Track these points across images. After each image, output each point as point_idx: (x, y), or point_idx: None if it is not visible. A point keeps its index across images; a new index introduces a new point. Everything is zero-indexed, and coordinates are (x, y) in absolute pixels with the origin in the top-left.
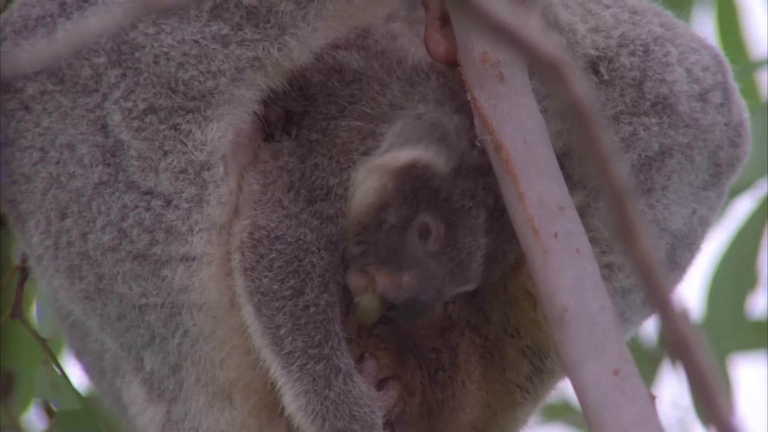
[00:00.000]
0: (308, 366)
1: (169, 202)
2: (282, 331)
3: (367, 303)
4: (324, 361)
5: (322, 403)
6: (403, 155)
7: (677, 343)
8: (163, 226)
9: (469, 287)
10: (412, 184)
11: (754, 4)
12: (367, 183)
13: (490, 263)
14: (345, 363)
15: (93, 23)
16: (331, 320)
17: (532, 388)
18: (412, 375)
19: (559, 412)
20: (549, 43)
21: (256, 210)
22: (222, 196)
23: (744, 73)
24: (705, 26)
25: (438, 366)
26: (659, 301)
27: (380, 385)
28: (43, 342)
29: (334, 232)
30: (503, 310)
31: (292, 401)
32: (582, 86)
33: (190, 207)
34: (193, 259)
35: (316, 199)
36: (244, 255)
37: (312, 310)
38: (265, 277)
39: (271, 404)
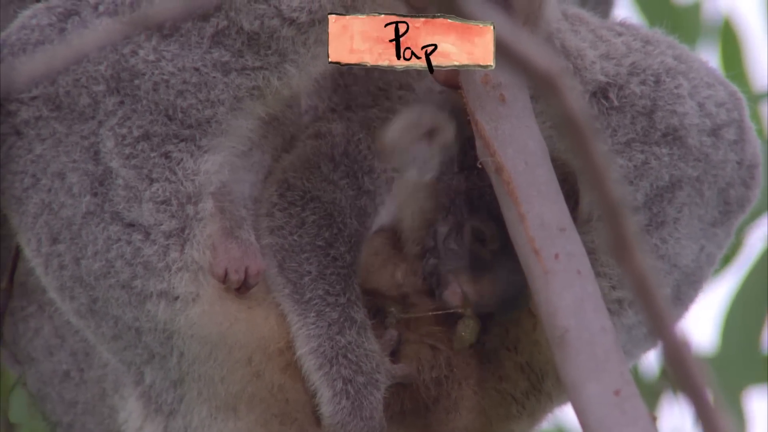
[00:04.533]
0: (325, 312)
1: (147, 236)
2: (305, 279)
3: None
4: (340, 309)
5: (332, 348)
6: (402, 120)
7: (674, 361)
8: (141, 260)
9: None
10: (446, 195)
11: (759, 37)
12: (407, 207)
13: None
14: (360, 317)
15: (89, 41)
16: (351, 276)
17: (528, 405)
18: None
19: None
20: (544, 57)
21: (286, 174)
22: (208, 238)
23: (749, 107)
24: (709, 59)
25: (434, 363)
26: (655, 315)
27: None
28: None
29: (368, 205)
30: (503, 324)
31: (304, 344)
32: (577, 99)
33: (168, 243)
34: (176, 299)
35: (356, 172)
36: (273, 216)
37: (339, 262)
38: (295, 233)
39: (281, 413)
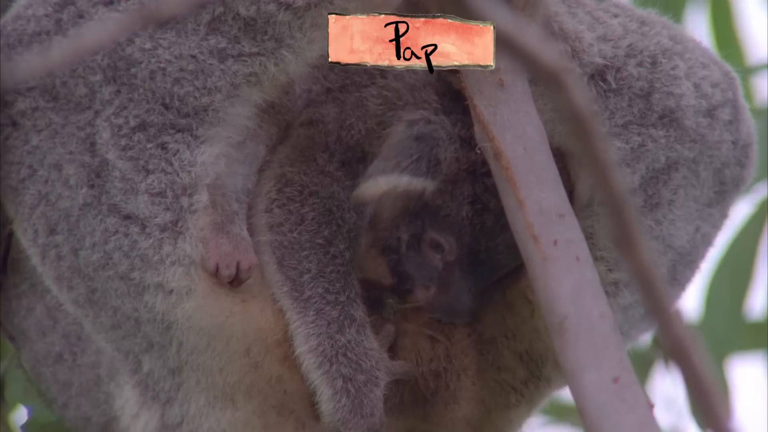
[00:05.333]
0: (324, 310)
1: (143, 228)
2: (305, 277)
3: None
4: (340, 308)
5: (332, 347)
6: (381, 183)
7: (676, 349)
8: (138, 253)
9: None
10: (415, 203)
11: (749, 8)
12: (381, 200)
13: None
14: (360, 315)
15: (89, 36)
16: (351, 273)
17: (527, 393)
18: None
19: (568, 413)
20: (549, 52)
21: (283, 168)
22: (201, 231)
23: (740, 76)
24: (699, 30)
25: (432, 356)
26: (658, 307)
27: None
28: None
29: None
30: (500, 313)
31: (303, 343)
32: (582, 94)
33: (162, 237)
34: (170, 292)
35: (350, 160)
36: (272, 213)
37: (338, 260)
38: (295, 230)
39: (278, 404)
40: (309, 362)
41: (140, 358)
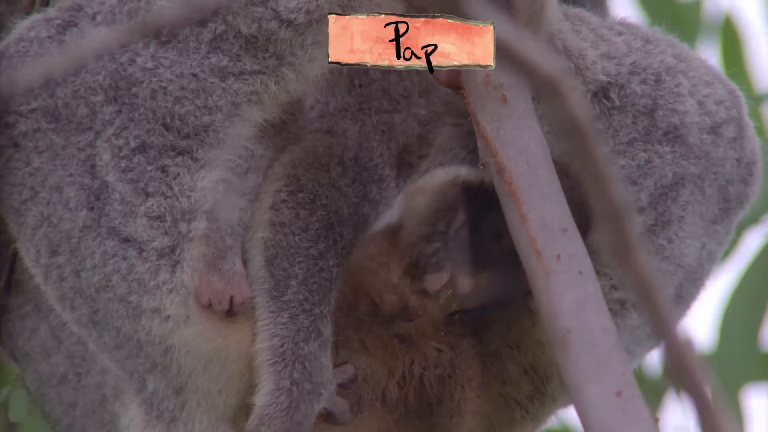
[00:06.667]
0: (299, 317)
1: (140, 252)
2: (292, 282)
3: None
4: (312, 319)
5: (293, 352)
6: (440, 175)
7: (677, 363)
8: (134, 277)
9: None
10: (477, 187)
11: (760, 38)
12: (420, 199)
13: None
14: (327, 332)
15: (87, 45)
16: (331, 291)
17: (532, 409)
18: (409, 367)
19: None
20: (548, 62)
21: (296, 170)
22: (197, 261)
23: (749, 106)
24: (710, 57)
25: (437, 363)
26: (659, 319)
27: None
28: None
29: (370, 215)
30: (504, 324)
31: (266, 339)
32: (580, 102)
33: (159, 263)
34: (167, 318)
35: (365, 181)
36: (279, 211)
37: (324, 274)
38: (297, 235)
39: None
40: (265, 358)
41: (144, 378)
